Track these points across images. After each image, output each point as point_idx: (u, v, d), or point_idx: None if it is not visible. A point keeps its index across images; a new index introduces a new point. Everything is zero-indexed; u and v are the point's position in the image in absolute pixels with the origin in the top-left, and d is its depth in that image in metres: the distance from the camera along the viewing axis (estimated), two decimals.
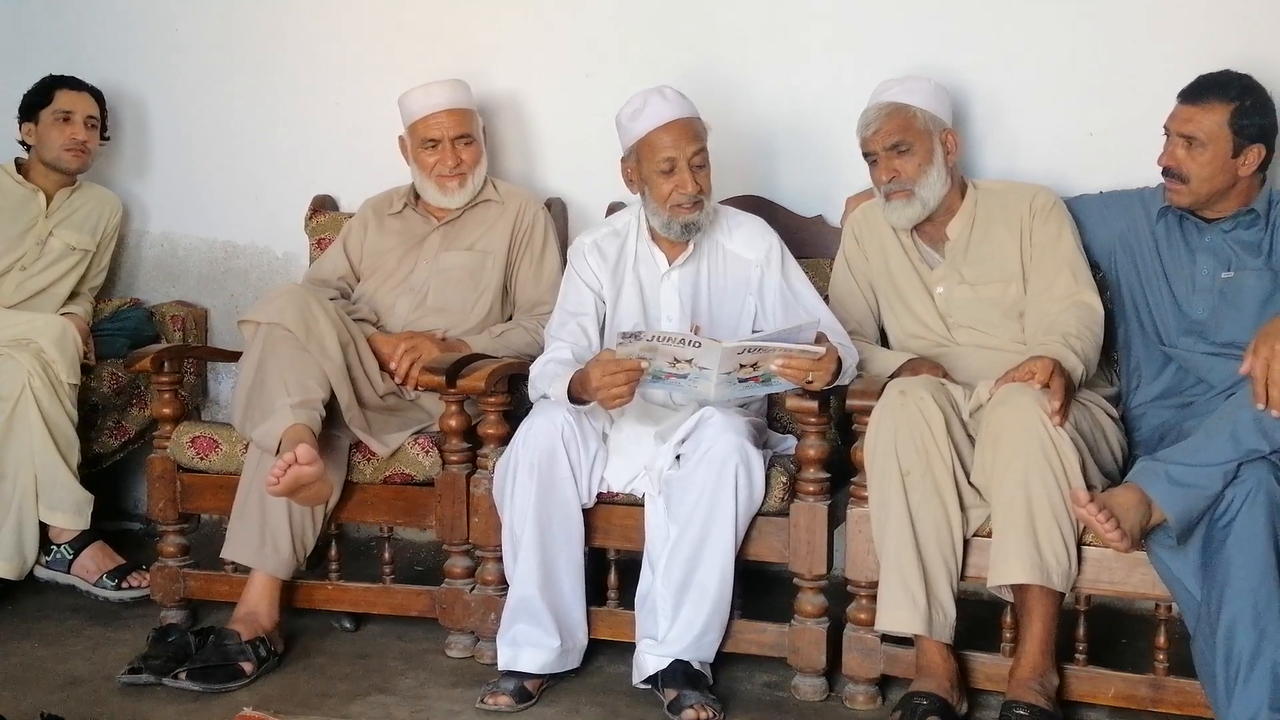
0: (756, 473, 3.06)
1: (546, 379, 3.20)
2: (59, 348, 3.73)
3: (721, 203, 3.46)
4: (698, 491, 3.05)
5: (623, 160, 3.33)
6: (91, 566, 3.79)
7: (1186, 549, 2.81)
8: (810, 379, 2.96)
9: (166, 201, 4.44)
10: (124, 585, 3.77)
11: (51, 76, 4.16)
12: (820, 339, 3.00)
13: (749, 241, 3.36)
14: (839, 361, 3.01)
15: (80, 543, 3.81)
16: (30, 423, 3.67)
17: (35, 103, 4.12)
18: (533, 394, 3.26)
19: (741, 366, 2.94)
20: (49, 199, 4.13)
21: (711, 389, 2.96)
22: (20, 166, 4.18)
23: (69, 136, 4.09)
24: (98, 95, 4.18)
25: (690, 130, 3.23)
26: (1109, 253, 3.32)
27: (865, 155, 3.33)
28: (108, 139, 4.26)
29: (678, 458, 3.12)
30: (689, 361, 2.92)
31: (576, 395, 3.10)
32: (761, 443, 3.23)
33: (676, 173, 3.22)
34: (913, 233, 3.37)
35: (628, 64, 3.92)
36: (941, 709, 2.91)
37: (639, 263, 3.38)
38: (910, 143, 3.26)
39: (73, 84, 4.14)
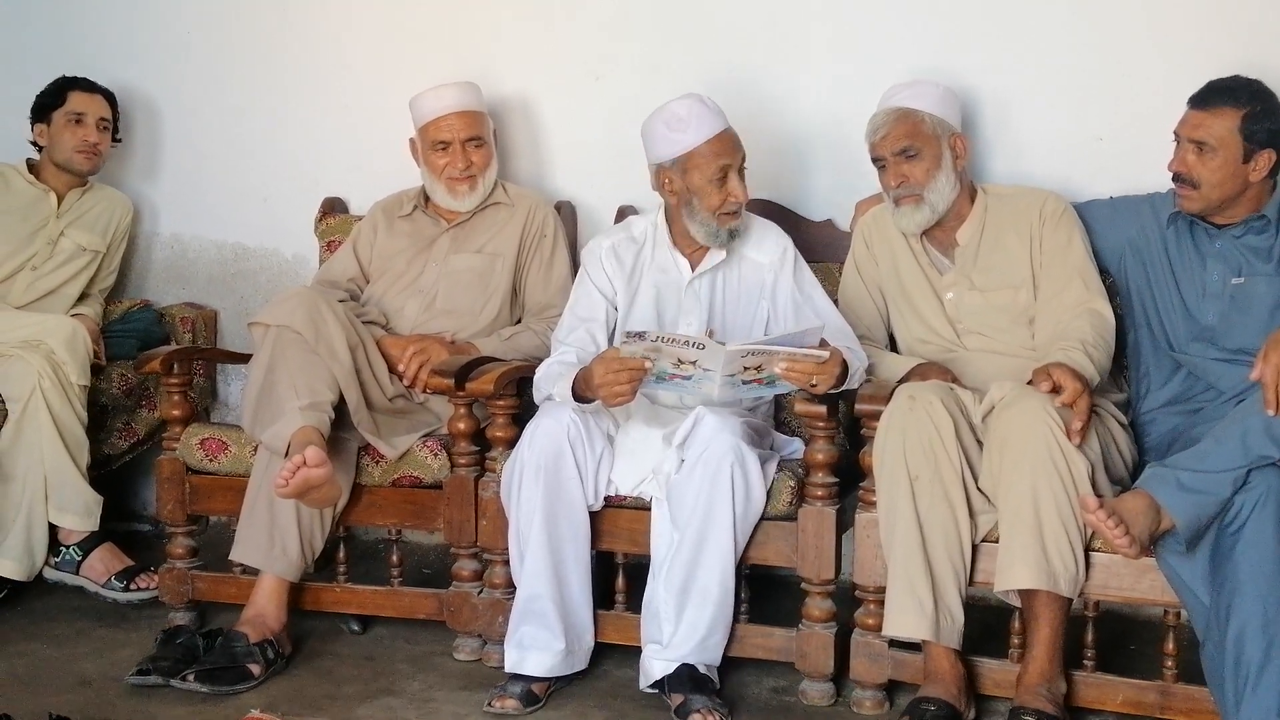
0: (753, 473, 3.05)
1: (551, 380, 3.20)
2: (69, 349, 3.73)
3: None
4: (694, 494, 3.05)
5: (660, 169, 3.29)
6: (100, 568, 3.80)
7: (1195, 555, 2.80)
8: (814, 382, 2.96)
9: (176, 203, 4.45)
10: (132, 586, 3.78)
11: (64, 78, 4.17)
12: (823, 344, 2.99)
13: (763, 246, 3.37)
14: (844, 365, 3.01)
15: (89, 544, 3.81)
16: (40, 424, 3.67)
17: (47, 104, 4.13)
18: (537, 396, 3.26)
19: (746, 369, 2.94)
20: (60, 199, 4.14)
21: (715, 390, 2.96)
22: (32, 167, 4.19)
23: (81, 138, 4.10)
24: (110, 97, 4.18)
25: (735, 139, 3.26)
26: (1119, 258, 3.31)
27: (874, 160, 3.32)
28: (120, 140, 4.27)
29: (683, 461, 3.11)
30: (693, 363, 2.92)
31: (580, 393, 3.10)
32: (766, 445, 3.23)
33: (728, 181, 3.23)
34: (922, 238, 3.37)
35: (636, 67, 3.92)
36: (949, 714, 2.91)
37: (658, 270, 3.38)
38: (919, 148, 3.25)
39: (85, 85, 4.15)
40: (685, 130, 3.23)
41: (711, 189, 3.24)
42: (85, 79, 4.17)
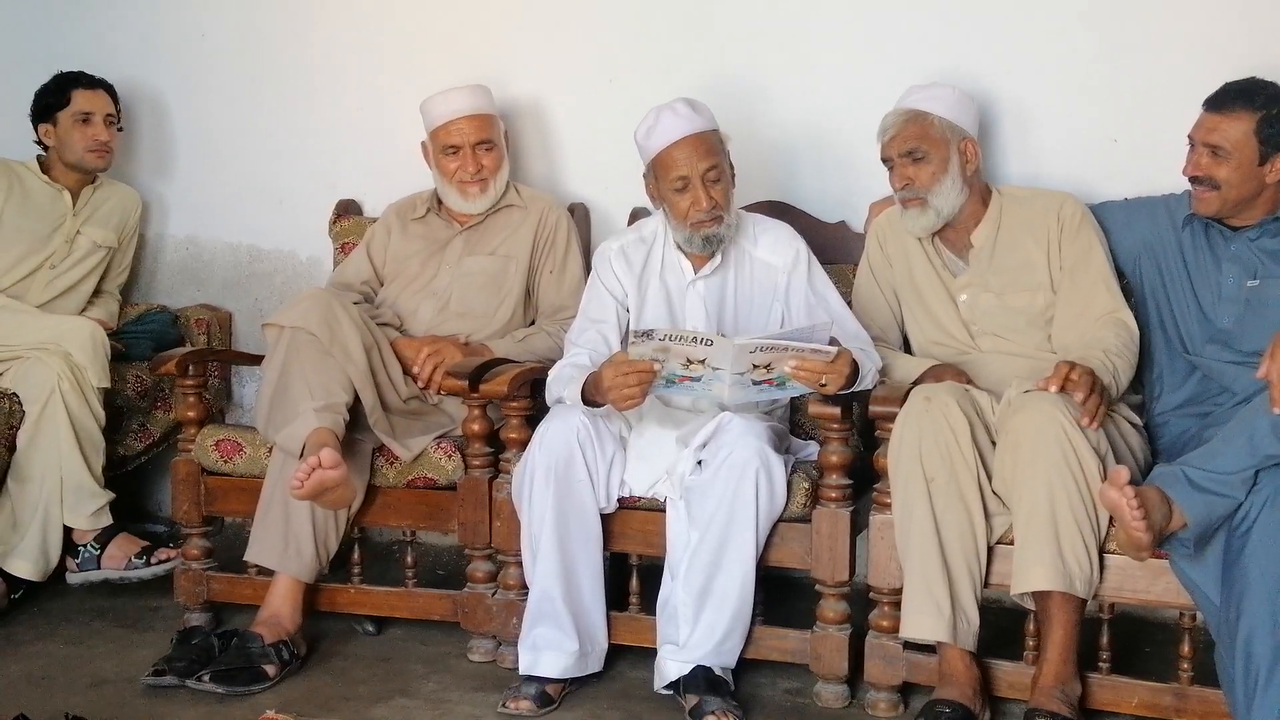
0: (778, 478, 3.05)
1: (563, 382, 3.21)
2: (89, 352, 3.74)
3: (745, 209, 3.46)
4: (718, 497, 3.04)
5: (644, 175, 3.32)
6: (119, 555, 3.81)
7: (1206, 557, 2.80)
8: (823, 382, 2.96)
9: (191, 205, 4.46)
10: (153, 560, 3.79)
11: (63, 74, 4.11)
12: (833, 342, 2.99)
13: (775, 248, 3.35)
14: (854, 365, 3.00)
15: (104, 537, 3.81)
16: (58, 426, 3.68)
17: (51, 104, 4.08)
18: (549, 398, 3.27)
19: (755, 367, 2.93)
20: (74, 197, 4.13)
21: (725, 390, 2.95)
22: (42, 165, 4.15)
23: (91, 138, 4.08)
24: (110, 89, 4.14)
25: (703, 145, 3.21)
26: (1134, 260, 3.31)
27: (883, 160, 3.32)
28: (121, 129, 4.22)
29: (699, 463, 3.11)
30: (702, 362, 2.91)
31: (590, 397, 3.10)
32: (784, 448, 3.23)
33: (690, 189, 3.20)
34: (936, 239, 3.37)
35: (650, 70, 3.92)
36: (964, 716, 2.90)
37: (666, 270, 3.37)
38: (925, 150, 3.25)
39: (86, 82, 4.10)
40: (651, 137, 3.23)
41: (676, 196, 3.23)
42: (84, 74, 4.12)
